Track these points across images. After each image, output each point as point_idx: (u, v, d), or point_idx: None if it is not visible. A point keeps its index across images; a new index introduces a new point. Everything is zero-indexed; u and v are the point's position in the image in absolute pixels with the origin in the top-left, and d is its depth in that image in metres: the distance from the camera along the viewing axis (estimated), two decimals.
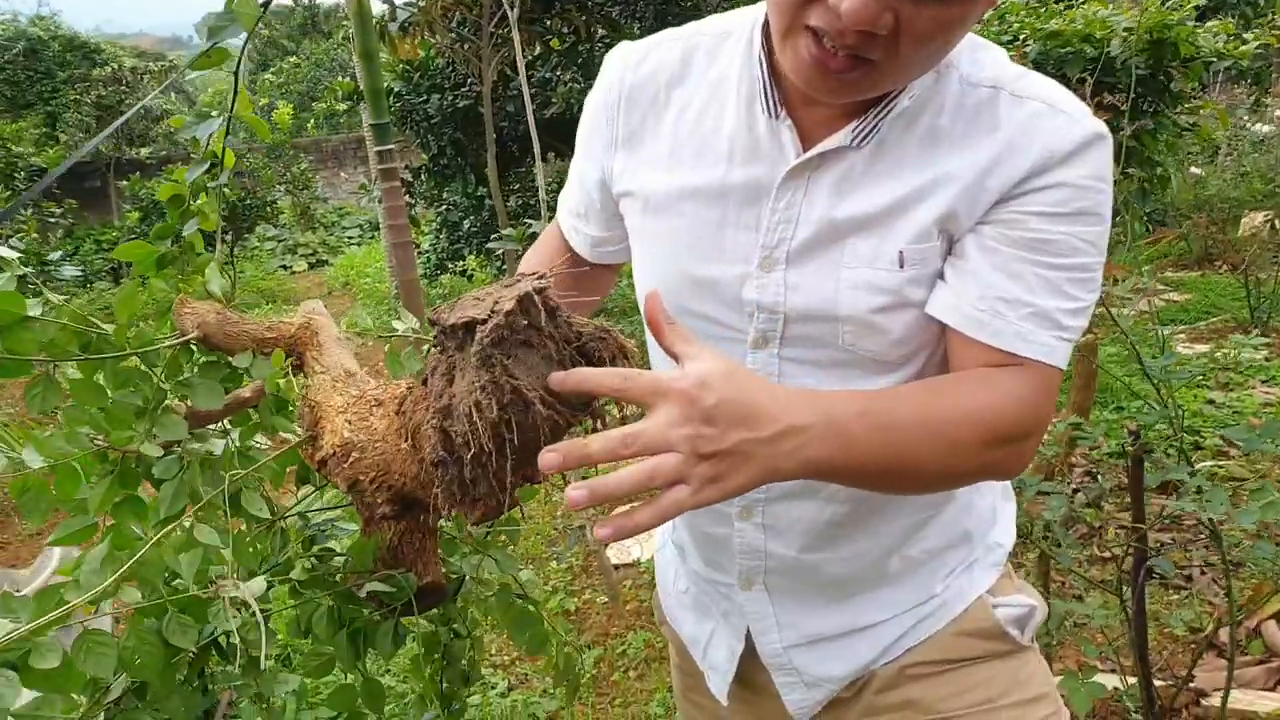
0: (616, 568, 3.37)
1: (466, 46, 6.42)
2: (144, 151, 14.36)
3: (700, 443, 0.65)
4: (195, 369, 1.04)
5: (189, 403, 1.03)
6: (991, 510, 1.06)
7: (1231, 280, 5.74)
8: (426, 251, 8.09)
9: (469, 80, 6.90)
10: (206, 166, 1.00)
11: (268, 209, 11.62)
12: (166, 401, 1.02)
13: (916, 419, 0.77)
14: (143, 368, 1.02)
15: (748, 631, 1.06)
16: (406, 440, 0.76)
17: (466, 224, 7.63)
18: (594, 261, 1.12)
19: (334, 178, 15.35)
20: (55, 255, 10.32)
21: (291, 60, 22.08)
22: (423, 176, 7.78)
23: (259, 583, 0.88)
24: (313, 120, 18.07)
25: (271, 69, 22.23)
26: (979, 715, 0.97)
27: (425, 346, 0.70)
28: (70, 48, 15.16)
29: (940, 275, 0.85)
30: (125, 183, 11.92)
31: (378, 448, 0.84)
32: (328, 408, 0.90)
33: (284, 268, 12.36)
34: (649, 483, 0.64)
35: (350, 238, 13.64)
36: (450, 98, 7.00)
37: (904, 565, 1.00)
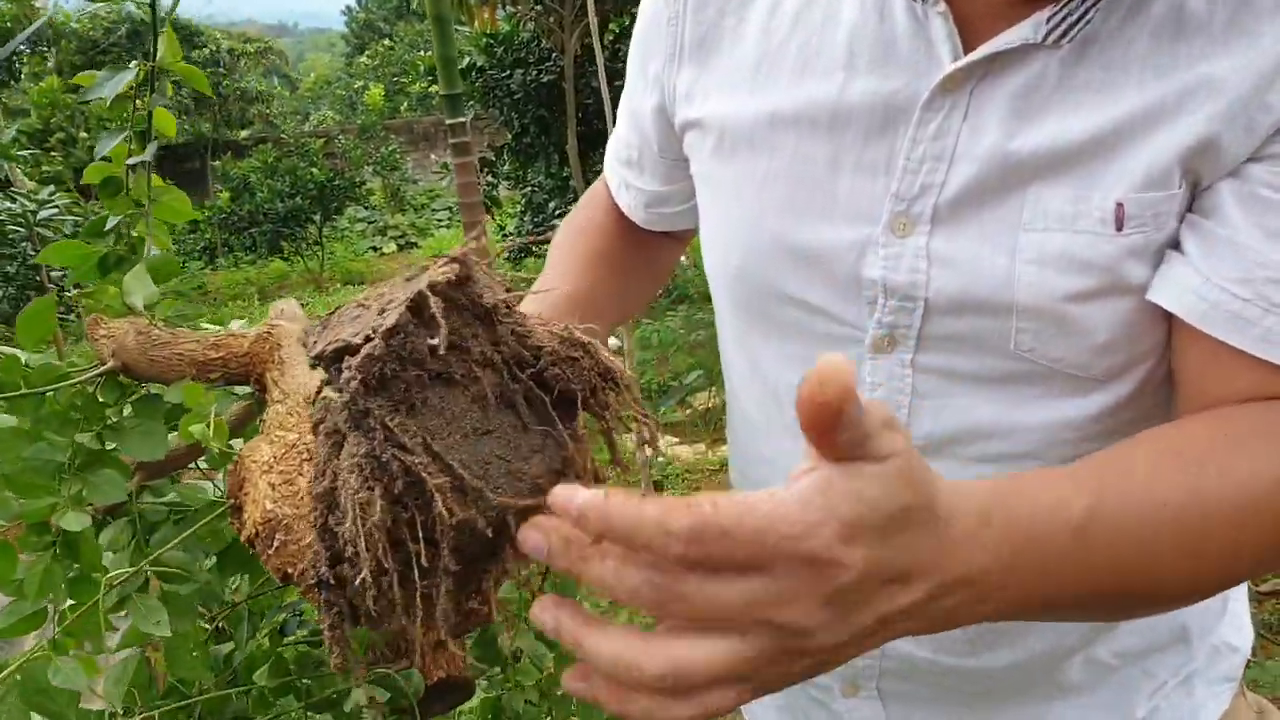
0: None
1: (551, 18, 6.19)
2: (242, 134, 14.71)
3: (801, 640, 0.38)
4: (127, 409, 0.80)
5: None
6: (1220, 598, 0.76)
7: None
8: (510, 234, 7.93)
9: (553, 54, 6.67)
10: (123, 134, 0.75)
11: (357, 190, 11.71)
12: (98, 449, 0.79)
13: (1171, 522, 0.48)
14: (72, 413, 0.79)
15: None
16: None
17: (551, 206, 7.43)
18: (649, 227, 0.87)
19: (424, 159, 15.45)
20: None
21: (385, 43, 22.35)
22: (505, 156, 7.60)
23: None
24: (405, 103, 18.23)
25: (367, 52, 22.58)
26: None
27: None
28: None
29: (1174, 244, 0.57)
30: (216, 163, 12.19)
31: (304, 529, 0.58)
32: (252, 465, 0.64)
33: (374, 249, 12.48)
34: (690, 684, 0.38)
35: (439, 220, 13.72)
36: (534, 73, 6.79)
37: (1088, 674, 0.72)
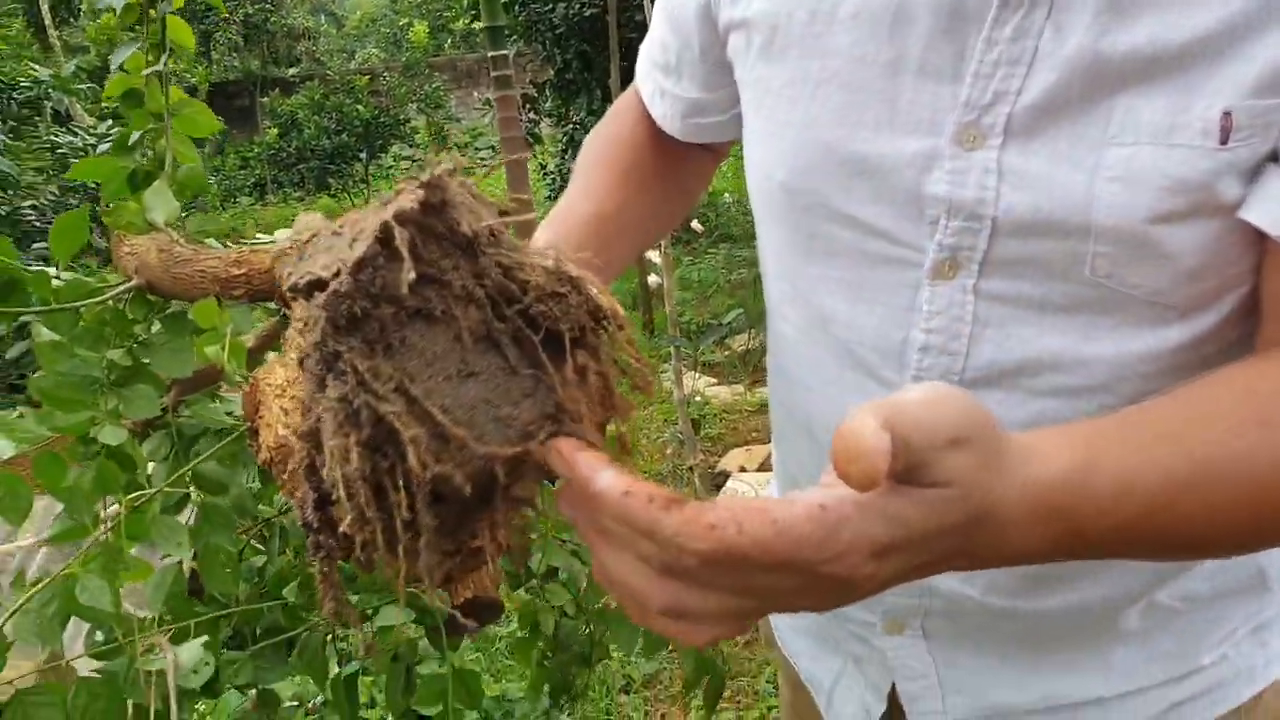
0: None
1: None
2: (291, 71, 14.73)
3: (779, 600, 0.39)
4: (156, 325, 0.82)
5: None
6: None
7: None
8: (551, 173, 7.88)
9: None
10: (136, 44, 0.75)
11: (402, 127, 11.68)
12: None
13: (1238, 477, 0.46)
14: (104, 329, 0.81)
15: (892, 689, 0.75)
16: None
17: None
18: (685, 139, 0.81)
19: (467, 97, 15.34)
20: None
21: None
22: (547, 92, 7.52)
23: (193, 650, 0.69)
24: (449, 40, 18.05)
25: None
26: None
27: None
28: None
29: (1273, 155, 0.51)
30: (265, 100, 12.23)
31: None
32: (267, 388, 0.65)
33: None
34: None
35: (482, 158, 13.65)
36: (576, 5, 6.67)
37: (1151, 618, 0.68)
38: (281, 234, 0.94)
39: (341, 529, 0.37)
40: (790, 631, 0.88)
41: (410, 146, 13.10)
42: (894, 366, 0.62)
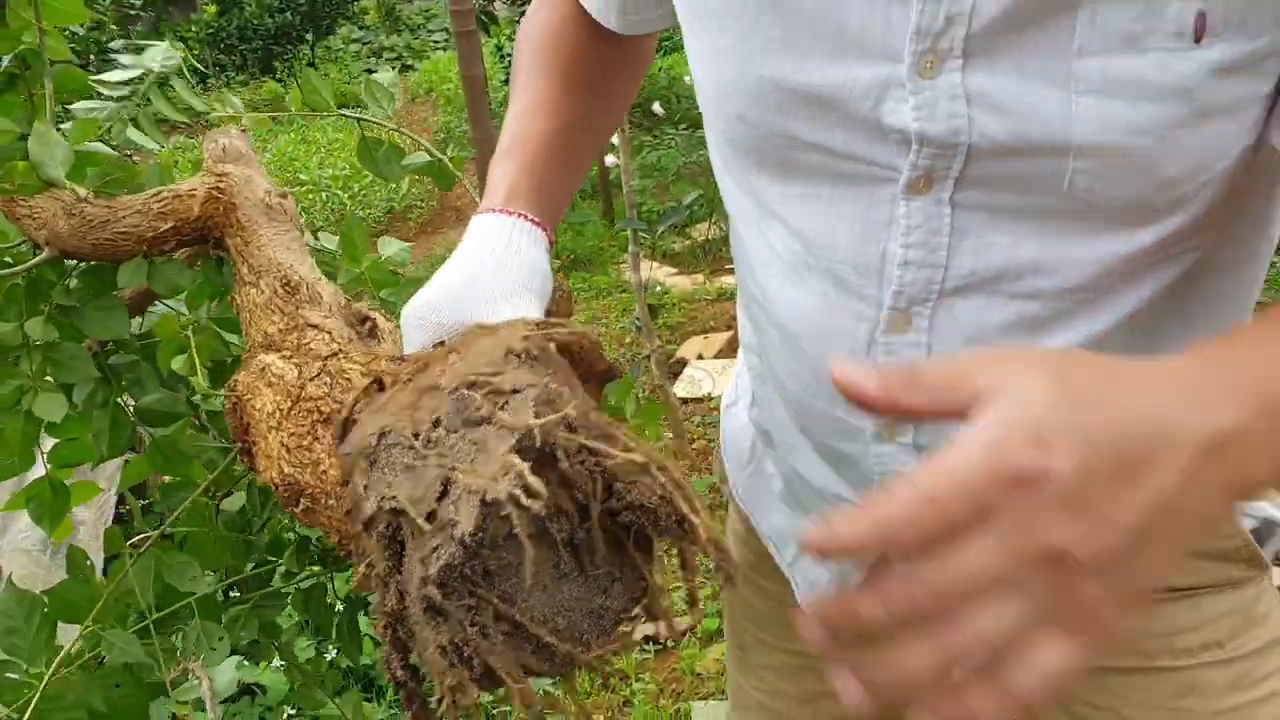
0: (684, 402, 3.13)
1: None
2: None
3: (1074, 567, 0.35)
4: (75, 284, 0.74)
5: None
6: None
7: None
8: (508, 55, 7.58)
9: None
10: None
11: (351, 8, 11.13)
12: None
13: None
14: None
15: None
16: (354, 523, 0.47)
17: None
18: (624, 32, 0.77)
19: None
20: (117, 44, 10.09)
21: None
22: None
23: (227, 673, 0.66)
24: None
25: None
26: (1204, 670, 0.67)
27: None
28: None
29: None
30: None
31: (332, 505, 0.53)
32: (255, 411, 0.58)
33: (369, 72, 11.98)
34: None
35: (436, 41, 13.13)
36: None
37: None
38: (216, 139, 0.83)
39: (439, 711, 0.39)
40: (760, 493, 0.86)
41: (360, 29, 12.51)
42: (874, 283, 0.60)
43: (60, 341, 0.71)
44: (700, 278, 4.39)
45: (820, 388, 0.66)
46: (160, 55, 0.84)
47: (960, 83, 0.52)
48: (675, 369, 3.46)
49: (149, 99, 0.80)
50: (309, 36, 10.32)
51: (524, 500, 0.36)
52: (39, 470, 0.77)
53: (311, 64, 10.48)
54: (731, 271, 4.40)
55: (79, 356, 0.73)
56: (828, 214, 0.60)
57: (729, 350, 3.56)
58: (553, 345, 0.48)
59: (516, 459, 0.37)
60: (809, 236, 0.62)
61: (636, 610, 0.42)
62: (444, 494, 0.38)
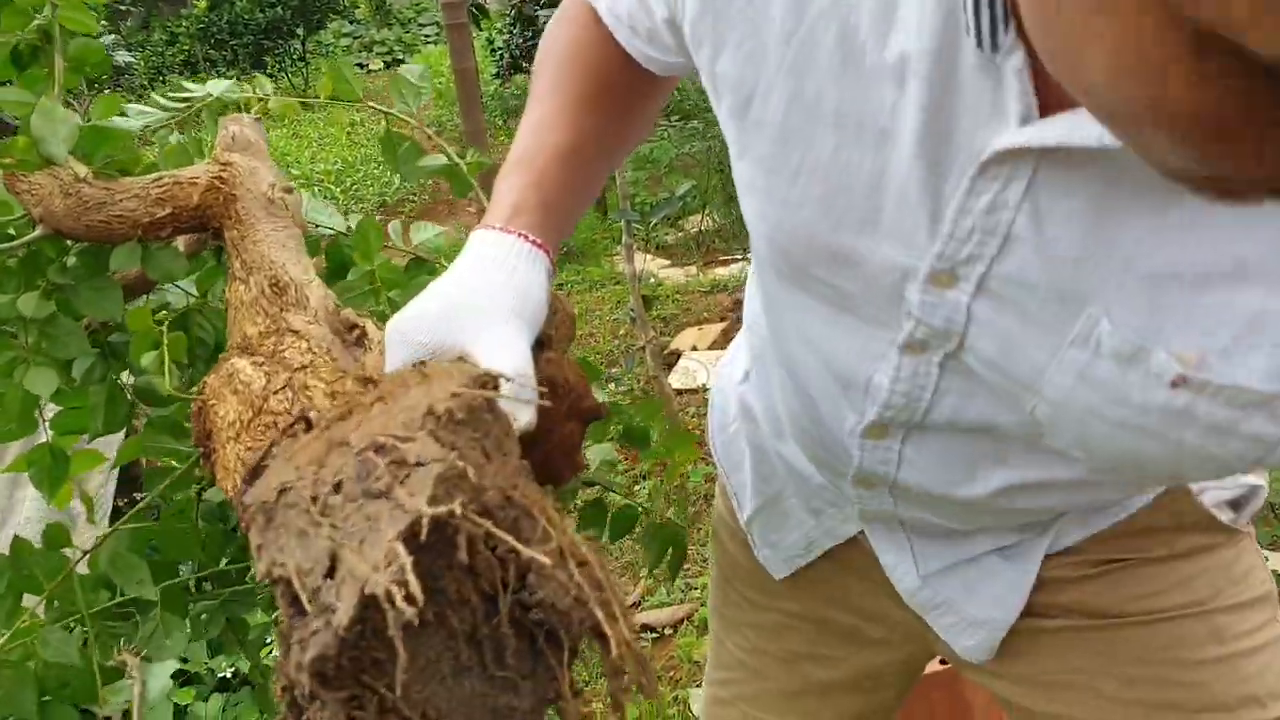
0: (679, 393, 3.14)
1: None
2: None
3: None
4: (72, 262, 0.75)
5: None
6: None
7: None
8: (500, 49, 7.56)
9: None
10: None
11: (341, 2, 11.08)
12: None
13: None
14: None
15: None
16: None
17: (543, 17, 7.04)
18: (655, 71, 0.74)
19: None
20: (107, 39, 9.95)
21: None
22: None
23: (161, 679, 0.68)
24: None
25: None
26: (1185, 622, 0.74)
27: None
28: None
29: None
30: None
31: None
32: (217, 419, 0.56)
33: (360, 66, 11.92)
34: None
35: (427, 35, 13.08)
36: None
37: None
38: (228, 126, 0.84)
39: None
40: (738, 455, 0.89)
41: (351, 23, 12.45)
42: (860, 395, 0.65)
43: (57, 316, 0.71)
44: (693, 269, 4.40)
45: (813, 425, 0.71)
46: (224, 86, 0.86)
47: (966, 305, 0.55)
48: (670, 360, 3.48)
49: (201, 117, 0.82)
50: (300, 31, 10.26)
51: (399, 602, 0.33)
52: (43, 437, 0.77)
53: (303, 59, 10.44)
54: (724, 263, 4.41)
55: (74, 333, 0.72)
56: (830, 326, 0.64)
57: (723, 341, 3.57)
58: (485, 403, 0.43)
59: (401, 549, 0.34)
60: (810, 335, 0.66)
61: (548, 713, 0.38)
62: (331, 571, 0.35)
